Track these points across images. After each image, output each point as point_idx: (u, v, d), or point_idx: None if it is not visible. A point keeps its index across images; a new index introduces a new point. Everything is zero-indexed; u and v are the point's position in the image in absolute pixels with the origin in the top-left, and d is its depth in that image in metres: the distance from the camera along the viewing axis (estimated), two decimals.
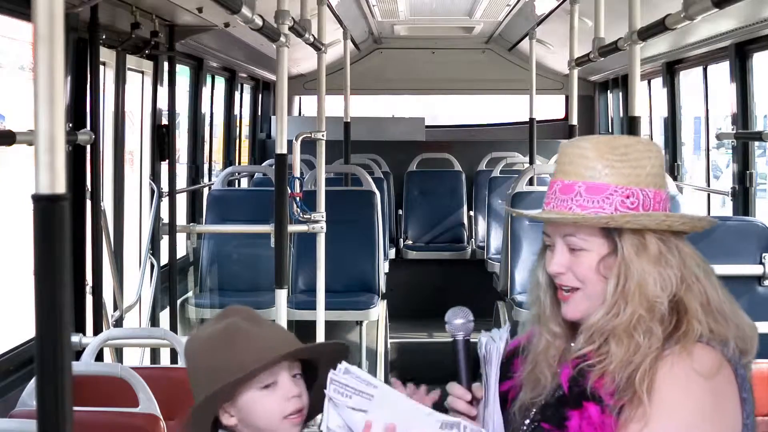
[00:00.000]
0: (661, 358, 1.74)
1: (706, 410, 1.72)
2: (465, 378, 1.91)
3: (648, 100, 8.31)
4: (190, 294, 6.78)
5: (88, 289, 4.28)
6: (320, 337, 5.80)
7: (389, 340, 7.18)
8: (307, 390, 2.02)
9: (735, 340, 1.79)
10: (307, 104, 11.43)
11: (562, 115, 10.44)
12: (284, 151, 4.67)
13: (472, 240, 9.41)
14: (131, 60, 5.15)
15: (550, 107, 10.67)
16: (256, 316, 2.05)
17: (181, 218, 6.49)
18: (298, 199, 5.60)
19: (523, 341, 1.98)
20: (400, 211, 9.58)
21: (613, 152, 1.84)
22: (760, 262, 4.37)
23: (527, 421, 1.88)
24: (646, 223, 1.80)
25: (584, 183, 1.83)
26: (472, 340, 1.94)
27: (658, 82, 7.85)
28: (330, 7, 6.57)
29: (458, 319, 1.94)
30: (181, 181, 6.78)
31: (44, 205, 1.17)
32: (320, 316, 5.88)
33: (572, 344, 1.89)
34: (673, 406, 1.72)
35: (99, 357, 3.81)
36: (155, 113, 5.70)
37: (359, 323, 6.75)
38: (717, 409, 1.73)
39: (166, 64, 5.56)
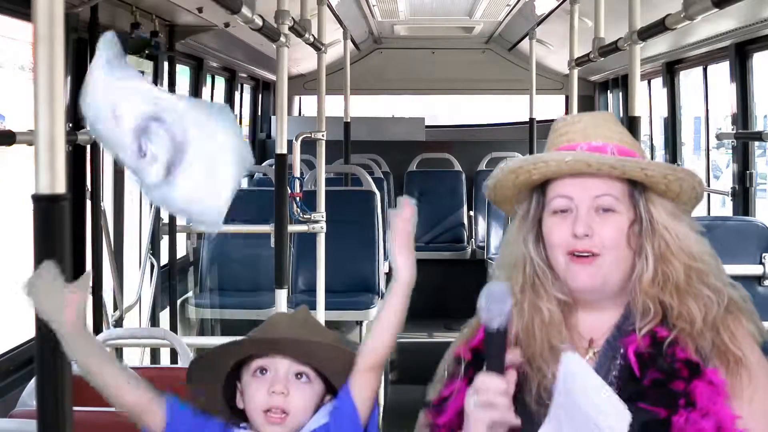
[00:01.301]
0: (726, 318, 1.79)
1: None
2: (498, 371, 1.72)
3: (648, 100, 8.30)
4: (190, 294, 6.78)
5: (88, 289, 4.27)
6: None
7: None
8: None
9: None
10: (307, 104, 11.42)
11: (562, 115, 10.43)
12: (284, 151, 4.67)
13: (472, 240, 9.41)
14: (131, 60, 5.15)
15: (550, 107, 10.66)
16: (303, 315, 1.99)
17: (181, 218, 6.48)
18: (298, 199, 5.60)
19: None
20: None
21: (623, 127, 1.90)
22: (760, 262, 4.37)
23: None
24: (690, 185, 1.83)
25: (616, 146, 1.83)
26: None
27: (658, 82, 7.84)
28: (330, 7, 6.57)
29: (496, 303, 1.72)
30: None
31: (44, 205, 1.17)
32: (320, 316, 5.87)
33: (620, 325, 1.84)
34: (763, 366, 1.78)
35: None
36: None
37: (359, 323, 6.75)
38: None
39: (166, 64, 5.56)
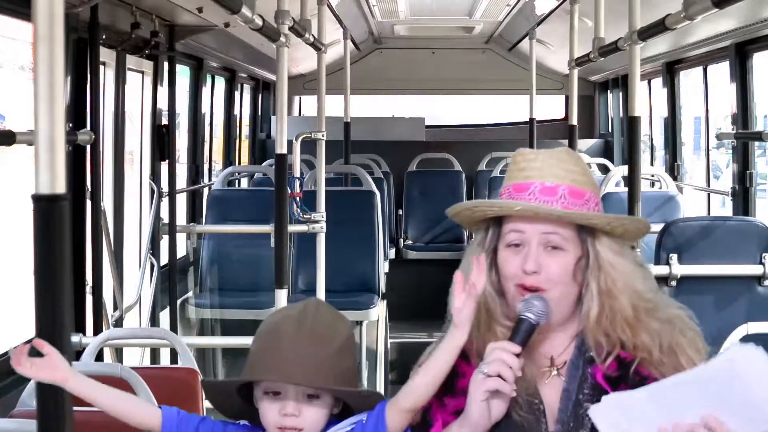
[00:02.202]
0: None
1: None
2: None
3: (648, 100, 8.31)
4: (190, 294, 6.77)
5: (88, 289, 4.28)
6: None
7: (389, 340, 7.18)
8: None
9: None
10: (307, 104, 11.42)
11: (562, 115, 10.44)
12: (284, 151, 4.67)
13: (473, 240, 9.40)
14: (131, 60, 5.15)
15: (550, 107, 10.67)
16: (308, 318, 1.96)
17: (181, 218, 6.49)
18: (298, 199, 5.60)
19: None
20: (400, 211, 9.57)
21: (579, 163, 1.98)
22: (760, 262, 4.37)
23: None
24: (636, 227, 1.95)
25: (567, 187, 1.92)
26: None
27: (658, 82, 7.84)
28: (330, 7, 6.57)
29: (540, 302, 1.87)
30: (181, 181, 6.78)
31: (44, 205, 1.17)
32: None
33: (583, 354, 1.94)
34: None
35: (99, 357, 3.81)
36: (155, 113, 5.70)
37: (359, 323, 6.75)
38: None
39: (166, 64, 5.56)
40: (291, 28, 4.66)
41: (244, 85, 9.11)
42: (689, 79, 7.26)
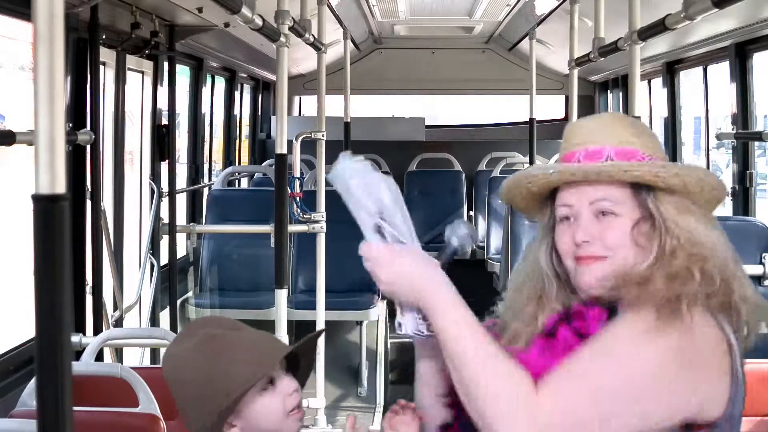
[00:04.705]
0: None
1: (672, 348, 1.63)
2: None
3: (648, 100, 8.31)
4: (190, 294, 6.78)
5: (88, 289, 4.28)
6: (320, 337, 5.79)
7: (389, 340, 7.18)
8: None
9: (746, 317, 1.73)
10: (307, 104, 11.42)
11: (562, 115, 10.44)
12: (284, 151, 4.67)
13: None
14: (131, 60, 5.15)
15: (550, 107, 10.67)
16: (230, 321, 1.98)
17: (181, 218, 6.49)
18: (298, 199, 5.60)
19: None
20: None
21: (634, 125, 1.83)
22: (760, 262, 4.38)
23: None
24: (697, 177, 1.73)
25: (613, 148, 1.78)
26: None
27: (658, 82, 7.84)
28: (330, 7, 6.57)
29: (464, 228, 1.90)
30: (181, 181, 6.78)
31: (44, 205, 1.16)
32: (320, 316, 5.88)
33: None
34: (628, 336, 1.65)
35: (99, 357, 3.82)
36: (155, 113, 5.70)
37: (359, 323, 6.75)
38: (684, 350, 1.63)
39: (166, 64, 5.56)
40: (291, 28, 4.66)
41: (244, 85, 9.11)
42: (689, 79, 7.26)
